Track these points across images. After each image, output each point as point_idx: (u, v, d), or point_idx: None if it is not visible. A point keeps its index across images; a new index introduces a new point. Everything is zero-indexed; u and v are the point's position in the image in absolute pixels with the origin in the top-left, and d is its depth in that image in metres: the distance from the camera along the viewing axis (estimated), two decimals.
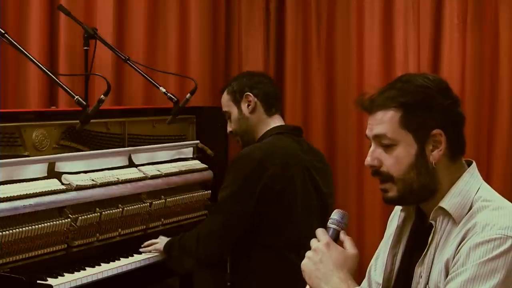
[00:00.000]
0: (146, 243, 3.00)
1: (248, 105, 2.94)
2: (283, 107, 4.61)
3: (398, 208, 1.89)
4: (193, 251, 2.78)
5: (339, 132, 4.57)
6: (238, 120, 2.99)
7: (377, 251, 1.96)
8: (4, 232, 2.47)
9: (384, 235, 1.94)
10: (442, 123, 1.69)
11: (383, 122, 1.71)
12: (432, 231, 1.71)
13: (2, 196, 2.48)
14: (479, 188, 1.72)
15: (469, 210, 1.68)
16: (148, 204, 3.11)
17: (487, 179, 4.16)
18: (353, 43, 4.50)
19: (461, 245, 1.64)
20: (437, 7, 4.27)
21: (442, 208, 1.70)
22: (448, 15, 4.23)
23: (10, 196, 2.52)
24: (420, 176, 1.70)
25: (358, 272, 1.93)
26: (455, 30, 4.20)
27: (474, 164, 1.77)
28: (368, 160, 1.74)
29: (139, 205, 3.06)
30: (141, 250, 2.98)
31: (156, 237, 3.07)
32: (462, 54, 4.19)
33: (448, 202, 1.69)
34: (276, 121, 2.94)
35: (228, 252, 2.82)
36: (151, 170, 3.20)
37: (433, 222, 1.71)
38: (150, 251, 2.97)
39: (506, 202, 1.72)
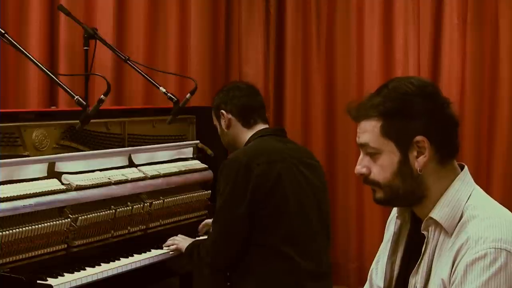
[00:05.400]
0: (168, 242, 3.05)
1: (225, 122, 2.97)
2: (283, 107, 4.63)
3: (394, 213, 1.87)
4: (206, 260, 2.86)
5: (339, 132, 4.58)
6: (221, 135, 3.05)
7: (377, 254, 1.94)
8: (4, 232, 2.47)
9: (384, 238, 1.94)
10: (424, 129, 1.67)
11: (366, 131, 1.71)
12: (425, 241, 1.70)
13: (2, 196, 2.48)
14: (470, 195, 1.69)
15: (460, 219, 1.66)
16: (148, 204, 3.11)
17: (487, 179, 4.17)
18: (353, 43, 4.50)
19: (456, 263, 1.61)
20: (437, 7, 4.28)
21: (432, 219, 1.68)
22: (448, 15, 4.23)
23: (10, 196, 2.51)
24: (405, 183, 1.69)
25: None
26: (455, 30, 4.20)
27: (466, 168, 1.74)
28: (357, 168, 1.75)
29: (139, 205, 3.06)
30: (164, 246, 3.03)
31: (156, 237, 3.08)
32: (462, 54, 4.19)
33: (438, 213, 1.67)
34: (258, 129, 2.95)
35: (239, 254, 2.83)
36: (151, 170, 3.20)
37: (425, 233, 1.70)
38: (171, 250, 3.03)
39: (497, 209, 1.69)
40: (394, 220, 1.85)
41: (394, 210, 1.88)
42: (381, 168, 1.71)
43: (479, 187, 1.74)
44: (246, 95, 2.99)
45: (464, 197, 1.68)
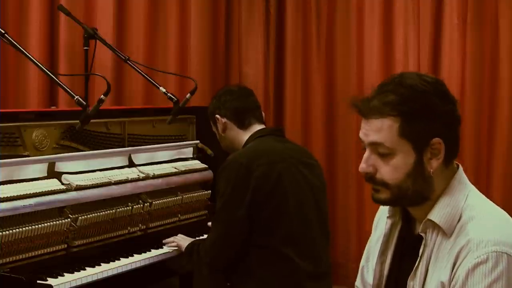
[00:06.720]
0: (168, 240, 3.07)
1: (220, 126, 2.98)
2: (283, 107, 4.63)
3: (383, 212, 1.85)
4: (204, 260, 2.88)
5: (339, 132, 4.58)
6: (219, 140, 3.08)
7: (365, 252, 1.92)
8: (4, 232, 2.47)
9: (371, 236, 1.92)
10: (442, 131, 1.63)
11: (381, 130, 1.63)
12: (423, 244, 1.67)
13: (2, 196, 2.48)
14: (467, 195, 1.67)
15: (459, 220, 1.64)
16: (148, 204, 3.11)
17: (487, 179, 4.17)
18: (353, 43, 4.50)
19: (456, 266, 1.60)
20: (437, 7, 4.28)
21: (431, 221, 1.65)
22: (448, 15, 4.23)
23: (10, 196, 2.51)
24: (415, 184, 1.64)
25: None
26: (455, 30, 4.20)
27: (461, 168, 1.72)
28: (363, 167, 1.68)
29: (139, 205, 3.06)
30: (164, 241, 3.06)
31: (156, 237, 3.08)
32: (462, 54, 4.19)
33: (437, 214, 1.65)
34: (255, 130, 2.96)
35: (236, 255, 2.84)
36: (151, 170, 3.20)
37: (423, 235, 1.68)
38: (172, 247, 3.05)
39: (494, 210, 1.68)
40: (383, 220, 1.83)
41: (384, 210, 1.85)
42: (392, 168, 1.64)
43: (474, 187, 1.72)
44: (238, 97, 3.01)
45: (462, 198, 1.66)
